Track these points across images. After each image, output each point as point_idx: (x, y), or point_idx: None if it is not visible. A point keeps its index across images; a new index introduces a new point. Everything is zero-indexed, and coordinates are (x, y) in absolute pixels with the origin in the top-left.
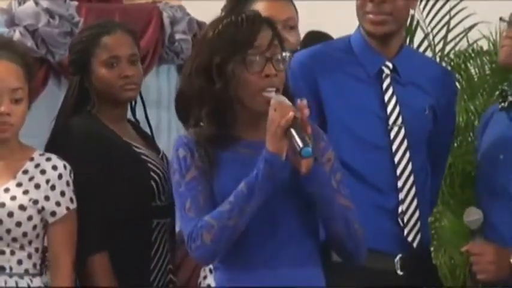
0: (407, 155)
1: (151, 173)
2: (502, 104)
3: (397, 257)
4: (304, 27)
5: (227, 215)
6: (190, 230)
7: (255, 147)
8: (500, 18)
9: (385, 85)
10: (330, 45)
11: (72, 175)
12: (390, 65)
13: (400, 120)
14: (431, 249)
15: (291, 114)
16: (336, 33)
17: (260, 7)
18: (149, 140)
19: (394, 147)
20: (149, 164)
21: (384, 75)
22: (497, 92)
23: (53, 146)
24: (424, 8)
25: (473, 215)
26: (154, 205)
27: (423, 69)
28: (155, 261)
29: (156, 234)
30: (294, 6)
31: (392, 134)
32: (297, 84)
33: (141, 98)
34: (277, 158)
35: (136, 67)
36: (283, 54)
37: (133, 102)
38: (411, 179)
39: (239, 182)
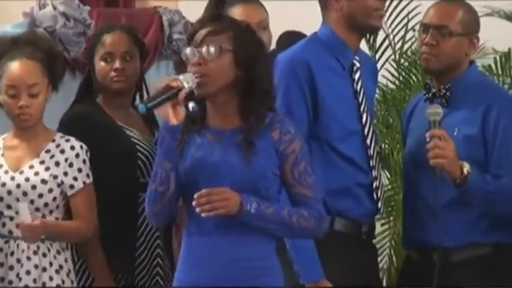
0: (374, 137)
1: (139, 154)
2: (427, 95)
3: (364, 225)
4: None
5: (152, 180)
6: None
7: (219, 135)
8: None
9: (356, 77)
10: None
11: (88, 154)
12: (358, 59)
13: (366, 108)
14: (391, 218)
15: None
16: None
17: (236, 11)
18: (150, 126)
19: (365, 131)
20: (137, 146)
21: (355, 68)
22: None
23: (59, 129)
24: (385, 12)
25: (435, 108)
26: (142, 181)
27: (366, 61)
28: (142, 229)
29: (143, 206)
30: (265, 8)
31: (363, 120)
32: (297, 76)
33: (146, 89)
34: (165, 123)
35: (128, 63)
36: (210, 49)
37: (137, 93)
38: (378, 158)
39: (195, 162)
